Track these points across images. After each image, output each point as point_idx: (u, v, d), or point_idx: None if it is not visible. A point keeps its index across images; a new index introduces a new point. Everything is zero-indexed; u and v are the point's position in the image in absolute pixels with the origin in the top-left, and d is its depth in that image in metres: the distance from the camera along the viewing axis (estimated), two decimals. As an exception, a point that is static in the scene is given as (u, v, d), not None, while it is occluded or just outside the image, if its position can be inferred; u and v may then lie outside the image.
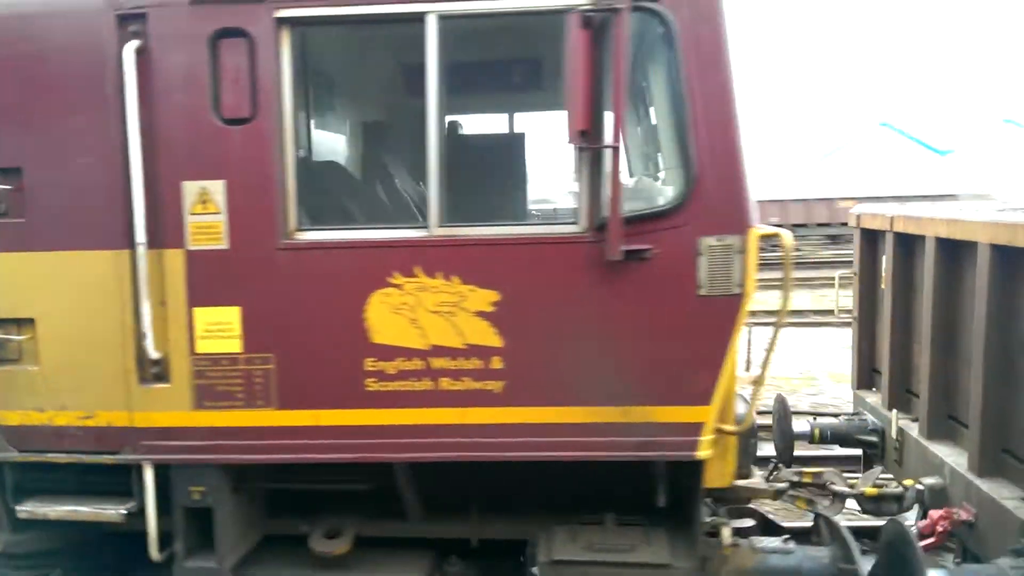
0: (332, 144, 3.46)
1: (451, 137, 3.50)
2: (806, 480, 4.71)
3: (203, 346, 3.35)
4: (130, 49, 3.20)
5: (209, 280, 3.33)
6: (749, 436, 3.36)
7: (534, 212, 3.58)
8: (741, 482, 3.60)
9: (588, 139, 2.99)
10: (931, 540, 4.06)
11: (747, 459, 3.49)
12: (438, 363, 3.27)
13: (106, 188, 3.32)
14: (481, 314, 3.23)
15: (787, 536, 4.02)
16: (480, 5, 3.14)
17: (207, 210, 3.29)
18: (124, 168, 3.26)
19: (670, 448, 3.21)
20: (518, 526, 3.61)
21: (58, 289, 3.44)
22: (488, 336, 3.23)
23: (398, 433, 3.32)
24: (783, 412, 5.46)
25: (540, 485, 3.61)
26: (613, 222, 2.99)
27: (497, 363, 3.25)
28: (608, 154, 3.03)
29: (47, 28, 3.34)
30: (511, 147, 3.95)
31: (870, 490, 4.63)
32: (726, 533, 3.37)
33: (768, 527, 4.80)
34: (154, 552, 3.44)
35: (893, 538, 3.68)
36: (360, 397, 3.30)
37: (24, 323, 3.47)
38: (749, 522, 3.76)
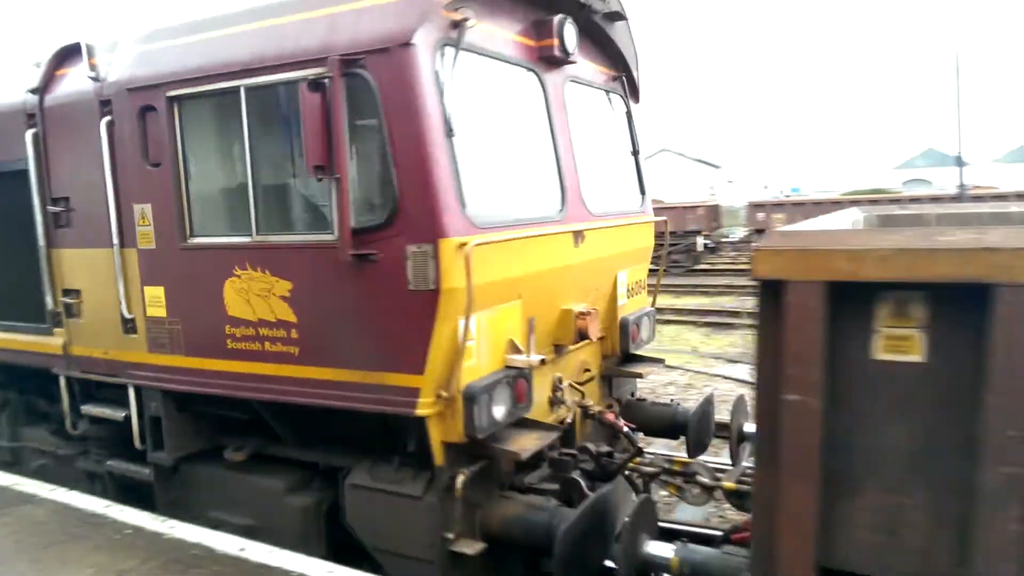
0: (209, 178, 4.95)
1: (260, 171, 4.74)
2: (676, 468, 5.18)
3: (150, 311, 5.07)
4: (104, 122, 5.04)
5: (149, 268, 5.01)
6: (472, 404, 4.10)
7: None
8: (508, 446, 4.32)
9: (322, 171, 4.01)
10: (745, 534, 4.25)
11: (473, 423, 4.03)
12: (263, 331, 4.55)
13: (103, 210, 5.09)
14: (283, 297, 4.42)
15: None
16: (256, 80, 4.29)
17: (144, 223, 4.98)
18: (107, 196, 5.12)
19: (396, 405, 4.08)
20: (345, 458, 4.79)
21: (88, 271, 5.44)
22: (288, 313, 4.42)
23: (245, 379, 4.68)
24: (706, 409, 5.80)
25: (357, 428, 4.73)
26: (343, 232, 3.99)
27: (294, 333, 4.41)
28: (335, 183, 4.03)
29: (74, 110, 5.32)
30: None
31: (729, 485, 4.91)
32: (459, 480, 4.20)
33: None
34: (136, 443, 5.35)
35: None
36: (224, 351, 4.73)
37: (76, 293, 5.59)
38: (477, 466, 4.40)
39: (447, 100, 3.97)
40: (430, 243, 3.87)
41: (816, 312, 2.71)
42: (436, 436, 4.11)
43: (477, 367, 4.16)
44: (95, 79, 5.07)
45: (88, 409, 5.63)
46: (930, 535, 2.66)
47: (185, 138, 4.72)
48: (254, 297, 4.54)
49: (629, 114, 6.33)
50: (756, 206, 31.61)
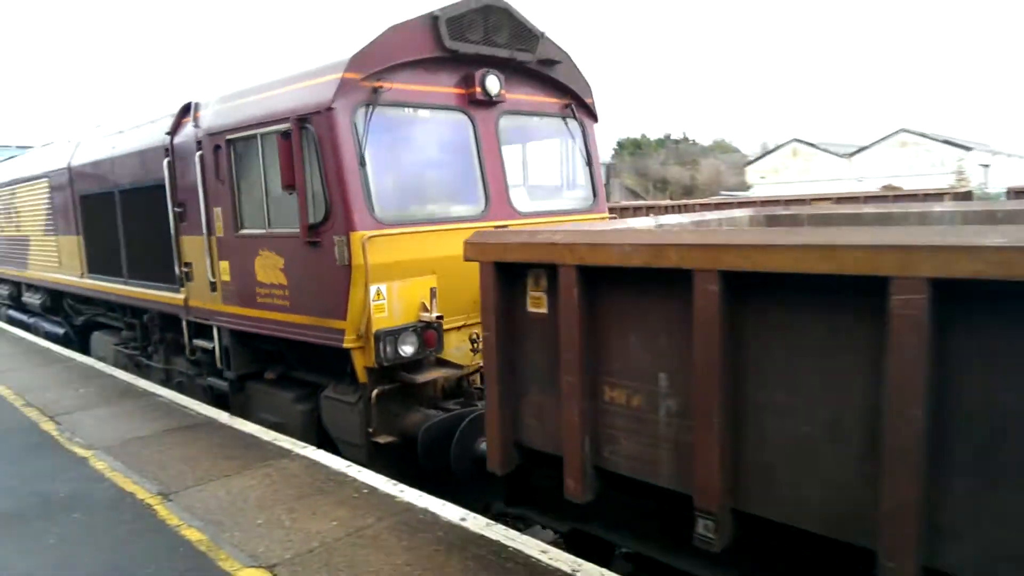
0: (247, 191, 7.30)
1: (270, 187, 6.74)
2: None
3: (222, 277, 7.61)
4: (198, 155, 7.35)
5: (221, 249, 7.42)
6: (379, 342, 6.03)
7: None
8: (413, 375, 6.23)
9: (290, 189, 6.03)
10: None
11: (380, 355, 5.80)
12: (273, 291, 6.78)
13: (199, 211, 7.45)
14: (281, 268, 6.62)
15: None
16: (262, 130, 6.48)
17: (218, 220, 7.47)
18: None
19: (333, 341, 6.01)
20: (324, 379, 6.73)
21: (195, 251, 7.94)
22: (283, 279, 6.58)
23: (263, 322, 6.95)
24: None
25: (330, 359, 6.48)
26: (302, 227, 6.07)
27: (287, 292, 6.54)
28: (296, 195, 6.05)
29: (186, 147, 7.58)
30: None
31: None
32: (374, 393, 6.13)
33: None
34: (218, 364, 7.95)
35: (458, 416, 5.84)
36: (255, 304, 7.07)
37: (189, 264, 8.34)
38: (389, 386, 6.14)
39: (362, 141, 5.90)
40: (345, 235, 5.84)
41: (492, 281, 4.34)
42: (359, 363, 6.01)
43: (389, 318, 5.96)
44: (195, 127, 7.52)
45: (197, 342, 8.37)
46: (557, 421, 4.19)
47: (235, 166, 7.08)
48: (269, 268, 6.82)
49: (584, 133, 7.86)
50: (1020, 193, 26.38)
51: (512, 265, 4.26)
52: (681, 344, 3.51)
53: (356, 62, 5.93)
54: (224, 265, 7.42)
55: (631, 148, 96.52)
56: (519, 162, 7.50)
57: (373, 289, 5.86)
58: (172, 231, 8.17)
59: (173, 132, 8.01)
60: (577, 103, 7.78)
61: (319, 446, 6.45)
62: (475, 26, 6.57)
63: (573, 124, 7.78)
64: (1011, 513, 2.66)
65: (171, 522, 4.67)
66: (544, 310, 4.22)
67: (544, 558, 3.97)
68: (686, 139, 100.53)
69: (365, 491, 5.06)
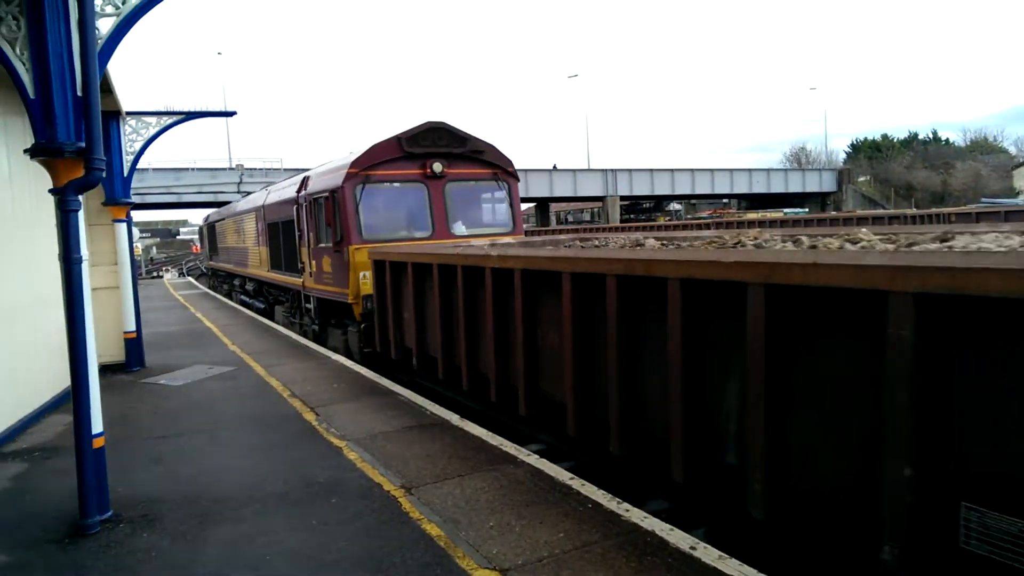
0: (319, 228, 13.37)
1: (320, 227, 13.32)
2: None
3: (311, 269, 13.58)
4: (294, 208, 14.45)
5: (311, 255, 13.44)
6: (365, 301, 11.20)
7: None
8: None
9: (329, 226, 12.11)
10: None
11: (364, 309, 11.35)
12: (326, 277, 12.72)
13: (301, 234, 14.15)
14: (329, 265, 12.43)
15: None
16: (317, 196, 12.83)
17: (310, 240, 13.45)
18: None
19: (345, 300, 11.81)
20: (352, 323, 12.02)
21: (304, 256, 14.16)
22: (329, 269, 12.45)
23: (325, 293, 12.91)
24: None
25: (352, 312, 11.82)
26: (333, 244, 12.00)
27: (332, 277, 12.35)
28: (331, 229, 12.07)
29: (298, 201, 14.15)
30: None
31: None
32: (363, 327, 11.38)
33: None
34: (313, 316, 14.14)
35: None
36: (322, 282, 12.94)
37: (303, 263, 14.27)
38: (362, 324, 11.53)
39: (358, 202, 11.53)
40: (348, 247, 11.48)
41: (381, 270, 10.24)
42: (355, 311, 11.47)
43: (367, 288, 11.16)
44: (302, 190, 13.85)
45: (306, 306, 14.63)
46: (418, 335, 9.12)
47: (314, 212, 13.02)
48: (325, 265, 12.54)
49: (508, 188, 13.05)
50: None
51: (386, 263, 10.10)
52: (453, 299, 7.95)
53: (355, 163, 11.58)
54: (312, 263, 13.49)
55: (869, 150, 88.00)
56: (464, 207, 12.63)
57: (361, 274, 11.35)
58: (297, 244, 14.47)
59: (298, 191, 14.23)
60: (502, 171, 12.93)
61: (345, 354, 12.21)
62: (426, 137, 12.02)
63: (500, 184, 13.02)
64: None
65: (413, 515, 5.01)
66: (387, 280, 10.15)
67: (787, 602, 3.65)
68: (937, 138, 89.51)
69: (589, 506, 5.05)
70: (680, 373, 4.61)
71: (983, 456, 3.04)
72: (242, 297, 23.75)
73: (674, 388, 4.67)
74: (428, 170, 11.94)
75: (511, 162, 12.95)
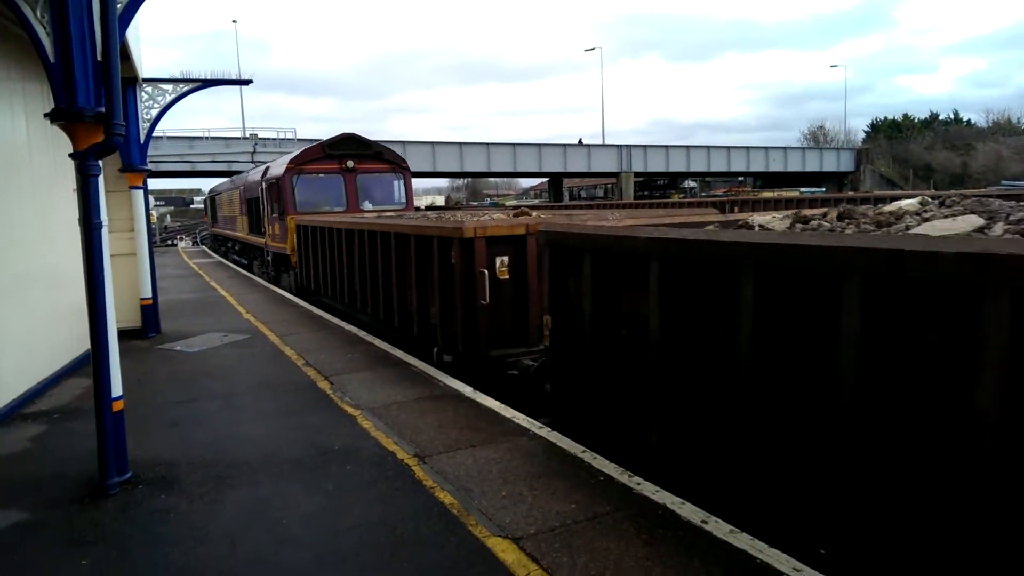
0: (273, 201, 19.32)
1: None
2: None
3: (270, 232, 19.54)
4: (260, 188, 20.17)
5: (269, 223, 19.40)
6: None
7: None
8: None
9: (273, 204, 18.67)
10: None
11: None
12: (278, 237, 18.64)
13: (266, 207, 19.71)
14: (278, 229, 18.46)
15: None
16: (269, 181, 19.27)
17: (269, 211, 19.28)
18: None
19: (286, 253, 17.63)
20: (291, 271, 17.93)
21: (265, 222, 20.04)
22: (279, 232, 18.51)
23: (277, 248, 18.75)
24: None
25: (289, 263, 18.21)
26: (281, 216, 18.00)
27: (281, 236, 18.07)
28: (278, 204, 18.33)
29: (264, 182, 19.84)
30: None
31: None
32: (297, 271, 17.44)
33: None
34: (269, 269, 20.24)
35: None
36: (276, 241, 19.08)
37: (265, 228, 20.50)
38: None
39: (295, 186, 17.53)
40: (287, 217, 17.25)
41: (304, 233, 16.56)
42: (292, 261, 17.12)
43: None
44: (264, 177, 19.76)
45: (266, 258, 20.25)
46: (324, 279, 14.52)
47: (271, 193, 18.74)
48: (278, 229, 18.21)
49: (404, 179, 18.87)
50: None
51: (309, 227, 15.54)
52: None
53: (291, 161, 17.58)
54: (269, 228, 18.95)
55: (888, 130, 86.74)
56: (369, 191, 18.38)
57: (295, 236, 16.58)
58: (260, 215, 20.17)
59: (262, 177, 19.97)
60: (397, 167, 18.79)
61: (287, 290, 17.26)
62: (343, 143, 17.98)
63: (396, 175, 18.87)
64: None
65: (426, 483, 5.07)
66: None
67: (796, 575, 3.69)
68: (958, 119, 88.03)
69: (601, 478, 5.08)
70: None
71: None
72: (234, 256, 29.62)
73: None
74: (344, 165, 17.91)
75: (404, 160, 19.36)
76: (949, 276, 2.96)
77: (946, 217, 4.30)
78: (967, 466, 2.98)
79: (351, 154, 17.82)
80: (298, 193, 17.47)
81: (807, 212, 5.53)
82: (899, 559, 3.34)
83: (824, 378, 3.60)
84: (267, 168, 20.06)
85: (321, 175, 17.82)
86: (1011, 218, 4.02)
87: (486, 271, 7.71)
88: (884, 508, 3.36)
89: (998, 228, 3.82)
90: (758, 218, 5.53)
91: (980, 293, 2.85)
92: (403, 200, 18.78)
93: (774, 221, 5.20)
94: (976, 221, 3.99)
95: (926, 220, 4.36)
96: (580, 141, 66.36)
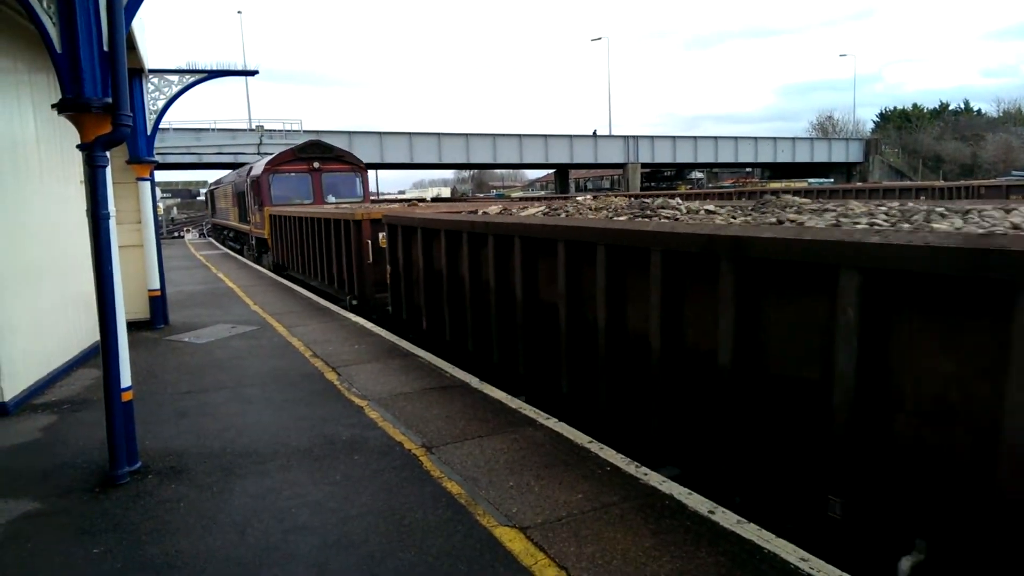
0: (254, 194, 24.35)
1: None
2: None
3: (254, 220, 24.49)
4: (245, 183, 25.93)
5: (251, 212, 24.90)
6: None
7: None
8: None
9: (256, 195, 23.83)
10: None
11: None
12: (259, 224, 23.79)
13: (251, 199, 24.45)
14: (259, 216, 23.67)
15: None
16: (251, 179, 24.63)
17: (253, 202, 24.59)
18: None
19: (263, 236, 23.41)
20: (268, 252, 22.66)
21: (249, 211, 25.29)
22: (259, 220, 23.99)
23: (258, 233, 24.88)
24: None
25: (253, 240, 26.17)
26: (259, 207, 23.11)
27: (262, 224, 23.24)
28: (256, 194, 23.68)
29: (249, 178, 24.50)
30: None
31: None
32: (268, 247, 22.67)
33: None
34: (254, 252, 25.53)
35: None
36: (257, 227, 24.38)
37: (251, 216, 25.41)
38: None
39: (271, 185, 22.33)
40: (264, 207, 22.09)
41: (274, 221, 21.36)
42: (269, 244, 21.80)
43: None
44: (248, 175, 24.73)
45: (251, 242, 25.29)
46: (288, 255, 18.69)
47: (254, 187, 23.25)
48: (259, 217, 22.93)
49: (362, 177, 23.63)
50: None
51: (279, 217, 20.31)
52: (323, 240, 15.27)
53: (268, 163, 22.62)
54: (253, 216, 23.95)
55: (898, 120, 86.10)
56: (332, 187, 22.82)
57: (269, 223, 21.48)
58: (247, 206, 25.16)
59: (247, 176, 24.92)
60: (355, 167, 23.37)
61: (266, 267, 21.70)
62: (310, 148, 22.93)
63: (355, 174, 23.38)
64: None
65: (434, 474, 5.08)
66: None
67: (804, 567, 3.68)
68: (969, 108, 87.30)
69: (608, 469, 5.08)
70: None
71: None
72: (229, 243, 34.00)
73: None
74: (311, 166, 22.52)
75: (361, 161, 24.14)
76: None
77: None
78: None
79: (317, 157, 22.58)
80: (273, 189, 22.18)
81: (556, 204, 8.44)
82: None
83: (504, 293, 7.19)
84: (251, 168, 25.30)
85: (292, 174, 22.47)
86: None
87: (370, 241, 11.85)
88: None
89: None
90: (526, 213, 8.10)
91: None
92: (360, 194, 23.17)
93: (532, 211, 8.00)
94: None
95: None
96: (595, 133, 66.15)
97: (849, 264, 3.42)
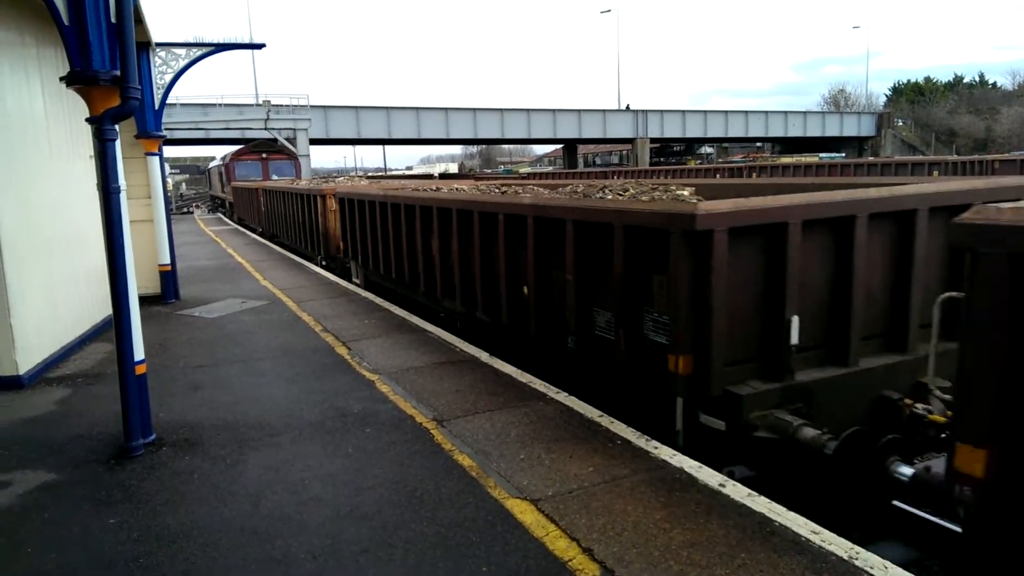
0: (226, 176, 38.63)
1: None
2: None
3: (229, 198, 40.36)
4: (223, 167, 41.40)
5: (227, 185, 40.15)
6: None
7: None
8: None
9: (226, 178, 39.74)
10: None
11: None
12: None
13: (224, 180, 40.86)
14: (233, 195, 37.43)
15: None
16: (223, 161, 43.03)
17: (226, 183, 39.59)
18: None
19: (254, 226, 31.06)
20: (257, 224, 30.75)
21: (225, 190, 40.74)
22: (232, 198, 37.95)
23: (228, 200, 39.47)
24: None
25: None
26: (229, 183, 39.16)
27: (235, 201, 36.47)
28: (227, 177, 39.73)
29: (222, 166, 41.92)
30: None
31: None
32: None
33: None
34: (230, 213, 38.20)
35: None
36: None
37: (226, 194, 41.20)
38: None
39: (234, 170, 37.81)
40: (231, 183, 37.20)
41: (238, 191, 34.93)
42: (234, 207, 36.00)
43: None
44: (223, 161, 40.63)
45: (228, 207, 40.59)
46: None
47: (226, 172, 39.44)
48: (246, 197, 30.07)
49: (297, 163, 39.54)
50: None
51: (242, 188, 32.98)
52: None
53: (233, 155, 39.18)
54: (226, 188, 39.46)
55: (911, 94, 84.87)
56: (276, 171, 37.98)
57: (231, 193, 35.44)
58: (223, 182, 40.91)
59: (223, 162, 42.21)
60: (291, 156, 40.13)
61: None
62: (263, 145, 40.17)
63: (290, 161, 39.55)
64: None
65: (445, 446, 5.12)
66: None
67: (816, 539, 3.70)
68: (983, 82, 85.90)
69: (618, 442, 5.10)
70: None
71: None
72: (220, 211, 44.58)
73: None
74: (261, 156, 37.93)
75: (296, 152, 39.69)
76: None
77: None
78: None
79: (265, 149, 38.74)
80: (236, 171, 37.10)
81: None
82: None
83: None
84: (225, 156, 40.31)
85: (248, 161, 37.84)
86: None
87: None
88: None
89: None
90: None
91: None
92: (294, 175, 36.47)
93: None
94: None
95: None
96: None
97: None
